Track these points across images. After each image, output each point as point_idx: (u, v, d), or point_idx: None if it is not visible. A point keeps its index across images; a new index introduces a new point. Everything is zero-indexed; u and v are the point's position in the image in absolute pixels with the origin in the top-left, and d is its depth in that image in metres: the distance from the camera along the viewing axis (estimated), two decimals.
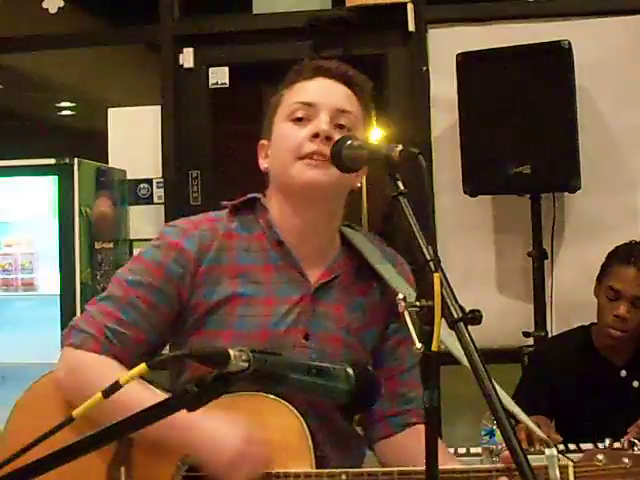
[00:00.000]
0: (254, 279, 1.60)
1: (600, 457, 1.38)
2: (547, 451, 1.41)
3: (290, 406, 1.46)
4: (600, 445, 2.42)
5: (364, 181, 2.80)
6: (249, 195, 1.69)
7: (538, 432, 1.51)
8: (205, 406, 1.11)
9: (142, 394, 1.42)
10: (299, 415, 1.46)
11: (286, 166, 1.59)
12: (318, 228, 1.64)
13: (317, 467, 1.46)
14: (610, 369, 2.89)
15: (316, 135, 1.56)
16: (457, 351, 1.51)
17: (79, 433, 1.13)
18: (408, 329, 1.19)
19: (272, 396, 1.46)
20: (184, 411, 1.08)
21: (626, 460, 1.37)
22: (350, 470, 1.44)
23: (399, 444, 1.62)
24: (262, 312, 1.58)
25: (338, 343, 1.61)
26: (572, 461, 1.40)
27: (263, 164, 1.68)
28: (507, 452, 1.36)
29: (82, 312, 1.64)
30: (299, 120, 1.60)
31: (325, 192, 1.59)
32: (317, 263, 1.64)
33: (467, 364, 1.21)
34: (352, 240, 1.69)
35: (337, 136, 1.54)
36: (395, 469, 1.43)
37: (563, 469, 1.39)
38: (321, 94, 1.62)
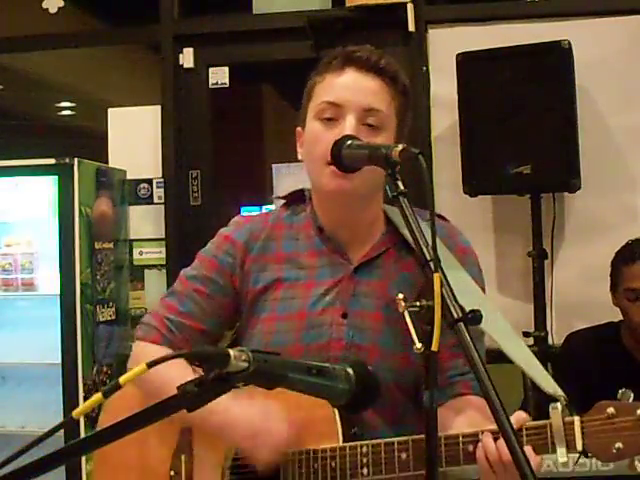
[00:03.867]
0: (298, 265, 1.66)
1: (610, 410, 1.31)
2: (551, 406, 1.33)
3: None
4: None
5: None
6: (299, 187, 1.74)
7: (545, 388, 1.46)
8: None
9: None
10: None
11: (317, 171, 1.60)
12: (353, 218, 1.66)
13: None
14: (638, 368, 2.88)
15: None
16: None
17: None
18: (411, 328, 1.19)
19: None
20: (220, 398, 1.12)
21: (638, 412, 1.28)
22: (369, 442, 1.45)
23: (443, 415, 1.52)
24: (302, 295, 1.63)
25: (378, 319, 1.61)
26: (579, 415, 1.32)
27: (299, 153, 1.69)
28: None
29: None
30: (328, 120, 1.59)
31: (352, 197, 1.60)
32: (360, 246, 1.66)
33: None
34: (393, 218, 1.68)
35: (364, 137, 1.54)
36: (410, 437, 1.43)
37: (568, 425, 1.33)
38: (348, 92, 1.58)
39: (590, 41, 3.64)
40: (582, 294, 3.05)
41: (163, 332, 1.67)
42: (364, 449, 1.45)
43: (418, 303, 1.22)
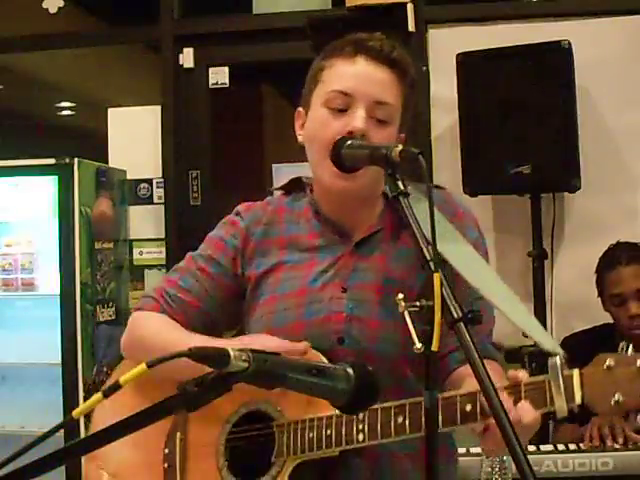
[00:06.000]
0: (299, 247, 1.67)
1: (609, 361, 1.29)
2: (550, 360, 1.32)
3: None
4: None
5: None
6: (294, 177, 1.76)
7: (544, 345, 1.44)
8: None
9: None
10: None
11: (318, 162, 1.60)
12: (355, 210, 1.66)
13: None
14: None
15: (350, 132, 1.54)
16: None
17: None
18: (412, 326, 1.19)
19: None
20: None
21: (638, 363, 1.26)
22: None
23: (459, 379, 1.53)
24: (302, 274, 1.64)
25: (377, 290, 1.60)
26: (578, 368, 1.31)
27: (299, 136, 1.68)
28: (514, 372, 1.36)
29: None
30: (336, 110, 1.57)
31: (355, 197, 1.62)
32: (359, 225, 1.66)
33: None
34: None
35: (372, 131, 1.54)
36: (407, 401, 1.43)
37: (567, 378, 1.32)
38: (359, 82, 1.57)
39: (590, 41, 3.64)
40: (582, 294, 3.05)
41: (161, 303, 1.70)
42: (360, 415, 1.46)
43: (418, 303, 1.22)
